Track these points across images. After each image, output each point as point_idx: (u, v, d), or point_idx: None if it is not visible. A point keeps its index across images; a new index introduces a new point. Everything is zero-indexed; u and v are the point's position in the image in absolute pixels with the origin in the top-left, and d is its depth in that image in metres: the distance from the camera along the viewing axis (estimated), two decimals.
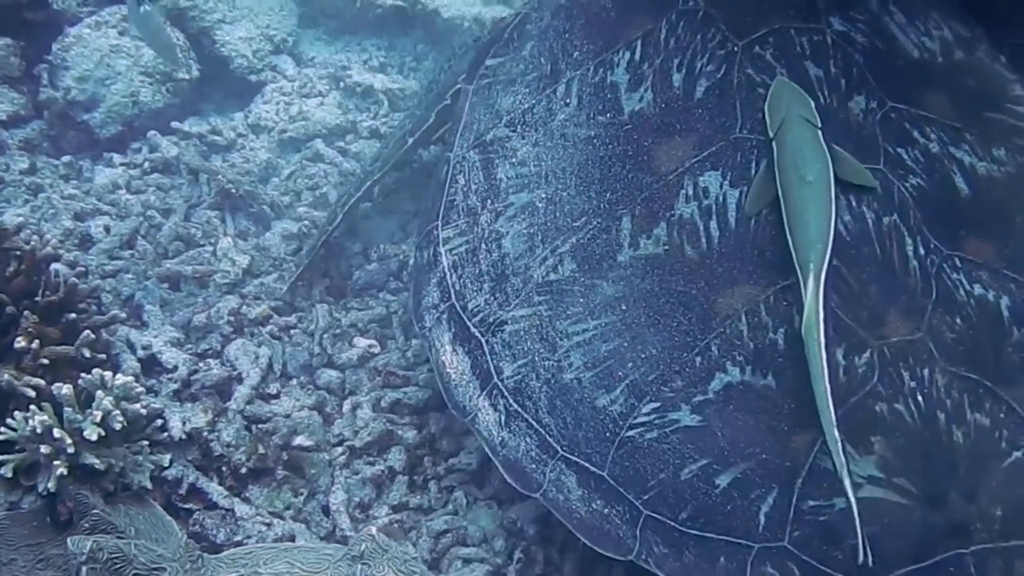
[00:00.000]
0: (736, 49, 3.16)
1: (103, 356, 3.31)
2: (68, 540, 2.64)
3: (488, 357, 3.09)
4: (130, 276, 3.78)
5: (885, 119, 3.07)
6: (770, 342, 2.82)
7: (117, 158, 4.29)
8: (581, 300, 3.00)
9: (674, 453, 2.81)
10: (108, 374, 3.13)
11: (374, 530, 2.83)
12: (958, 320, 2.84)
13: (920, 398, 2.76)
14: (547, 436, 2.96)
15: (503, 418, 3.04)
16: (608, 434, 2.88)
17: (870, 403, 2.75)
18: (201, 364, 3.56)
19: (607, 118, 3.18)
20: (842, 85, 3.11)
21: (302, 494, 3.34)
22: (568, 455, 2.93)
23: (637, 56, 3.23)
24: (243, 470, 3.34)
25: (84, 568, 2.58)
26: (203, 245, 3.95)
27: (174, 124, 4.37)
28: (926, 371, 2.78)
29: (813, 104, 2.97)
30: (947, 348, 2.81)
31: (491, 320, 3.12)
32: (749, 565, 2.73)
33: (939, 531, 2.67)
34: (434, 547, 3.26)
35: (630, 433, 2.86)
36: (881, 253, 2.89)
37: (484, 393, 3.09)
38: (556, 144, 3.21)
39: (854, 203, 2.93)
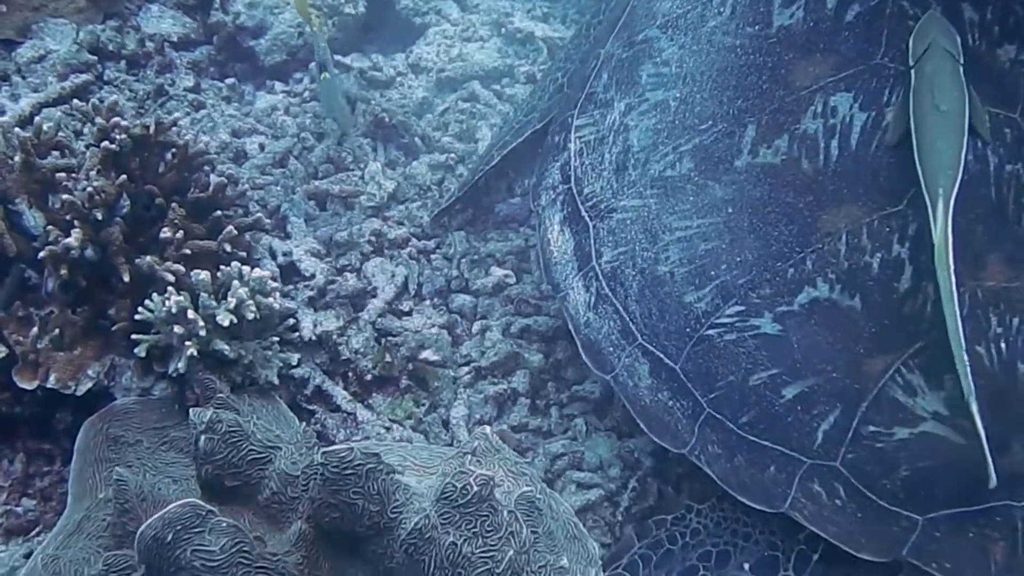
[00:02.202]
0: None
1: (243, 254, 3.37)
2: (190, 410, 2.68)
3: (592, 240, 3.14)
4: (279, 189, 3.85)
5: None
6: (864, 265, 2.81)
7: (279, 86, 4.37)
8: (691, 198, 3.02)
9: (748, 358, 2.84)
10: (246, 268, 3.19)
11: (488, 430, 2.83)
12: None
13: (1003, 345, 2.71)
14: (630, 323, 3.01)
15: (593, 299, 3.09)
16: (688, 329, 2.92)
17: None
18: (339, 277, 3.60)
19: (755, 29, 3.18)
20: (995, 31, 3.03)
21: (423, 405, 3.37)
22: (646, 344, 2.97)
23: None
24: (368, 377, 3.39)
25: (203, 437, 2.62)
26: (352, 169, 3.99)
27: (336, 57, 4.42)
28: (1016, 320, 2.73)
29: (959, 40, 2.92)
30: None
31: (603, 207, 3.16)
32: (798, 478, 2.76)
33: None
34: (550, 467, 3.28)
35: (710, 332, 2.89)
36: (996, 197, 2.84)
37: (580, 273, 3.14)
38: (701, 48, 3.22)
39: (980, 144, 2.87)
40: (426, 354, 3.44)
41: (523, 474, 2.80)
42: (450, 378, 3.44)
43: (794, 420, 2.76)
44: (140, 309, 3.08)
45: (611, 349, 3.04)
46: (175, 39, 4.42)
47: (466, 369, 3.47)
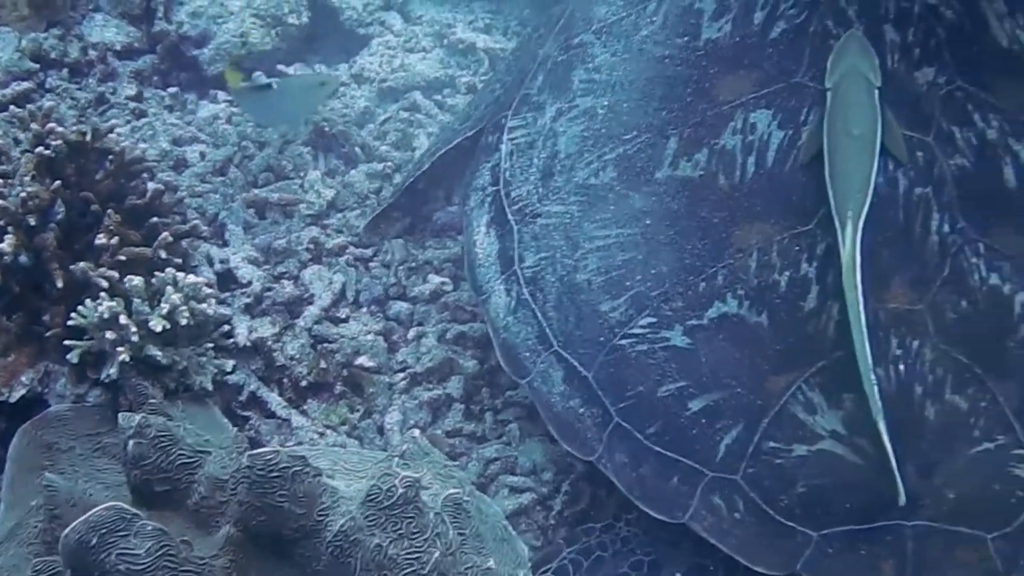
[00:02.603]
0: None
1: (179, 261, 3.38)
2: (119, 415, 2.68)
3: (516, 244, 3.17)
4: (217, 197, 3.87)
5: (949, 96, 3.05)
6: (773, 282, 2.86)
7: (221, 95, 4.38)
8: (612, 208, 3.06)
9: (657, 369, 2.87)
10: (180, 274, 3.20)
11: (417, 433, 2.86)
12: (964, 303, 2.82)
13: (901, 367, 2.76)
14: (547, 329, 3.04)
15: (513, 304, 3.12)
16: (602, 339, 2.95)
17: (852, 360, 2.72)
18: (276, 284, 3.62)
19: (684, 41, 3.22)
20: (915, 54, 3.09)
21: (358, 411, 3.39)
22: (561, 351, 3.00)
23: None
24: (303, 383, 3.40)
25: (131, 442, 2.62)
26: (292, 178, 4.01)
27: (279, 67, 4.45)
28: (915, 343, 2.79)
29: (877, 63, 2.97)
30: (944, 326, 2.80)
31: (528, 211, 3.19)
32: (700, 491, 2.79)
33: (886, 498, 2.66)
34: (483, 472, 3.30)
35: (622, 342, 2.92)
36: (904, 220, 2.89)
37: (503, 277, 3.16)
38: (631, 57, 3.26)
39: (891, 167, 2.92)
40: (361, 360, 3.46)
41: (452, 477, 2.83)
42: (385, 384, 3.46)
43: (699, 433, 2.80)
44: (73, 315, 3.08)
45: (527, 354, 3.06)
46: (118, 48, 4.43)
47: (402, 375, 3.48)
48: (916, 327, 2.80)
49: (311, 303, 3.58)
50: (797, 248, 2.88)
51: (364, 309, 3.67)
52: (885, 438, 2.61)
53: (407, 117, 4.33)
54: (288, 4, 4.49)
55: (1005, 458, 2.73)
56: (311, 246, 3.75)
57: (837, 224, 2.76)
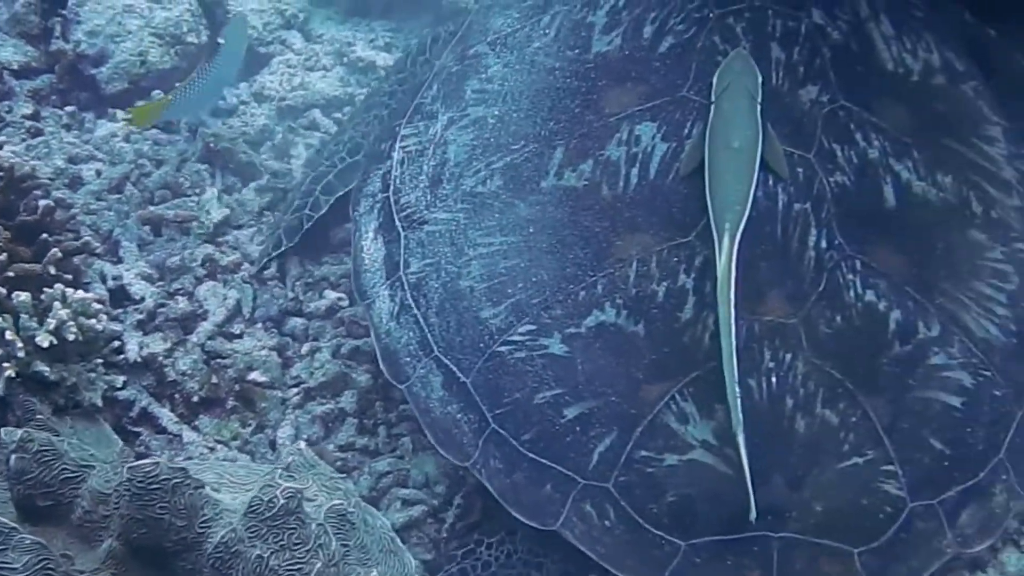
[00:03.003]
0: (711, 16, 3.25)
1: (69, 277, 3.36)
2: (1, 431, 2.67)
3: (402, 250, 3.19)
4: (111, 214, 3.86)
5: (832, 114, 3.13)
6: (651, 292, 2.90)
7: (120, 114, 4.37)
8: (497, 216, 3.09)
9: (535, 376, 2.90)
10: (69, 290, 3.19)
11: (302, 445, 2.87)
12: (838, 318, 2.89)
13: (773, 379, 2.82)
14: (428, 334, 3.06)
15: (396, 309, 3.14)
16: (482, 345, 2.98)
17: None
18: (169, 300, 3.61)
19: (574, 53, 3.28)
20: (799, 72, 3.18)
21: (250, 426, 3.39)
22: (441, 356, 3.03)
23: (621, 2, 3.33)
24: (195, 399, 3.41)
25: (13, 457, 2.61)
26: (189, 195, 4.01)
27: (177, 85, 4.44)
28: (788, 356, 2.84)
29: (761, 80, 3.04)
30: (817, 341, 2.87)
31: (415, 218, 3.21)
32: (571, 498, 2.82)
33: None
34: (375, 485, 3.31)
35: (501, 348, 2.95)
36: (782, 235, 2.95)
37: (388, 282, 3.19)
38: (523, 68, 3.32)
39: (771, 182, 2.99)
40: (254, 375, 3.47)
41: (338, 489, 2.83)
42: (278, 399, 3.47)
43: (573, 440, 2.84)
44: None
45: (408, 359, 3.08)
46: (15, 67, 4.40)
47: (295, 390, 3.49)
48: (789, 340, 2.86)
49: (205, 319, 3.57)
50: (676, 259, 2.93)
51: (259, 325, 3.67)
52: (742, 451, 2.65)
53: (305, 137, 4.34)
54: (187, 23, 4.48)
55: (874, 473, 2.80)
56: (206, 263, 3.74)
57: (715, 236, 2.82)
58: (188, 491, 2.48)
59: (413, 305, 3.11)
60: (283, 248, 3.83)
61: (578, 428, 2.84)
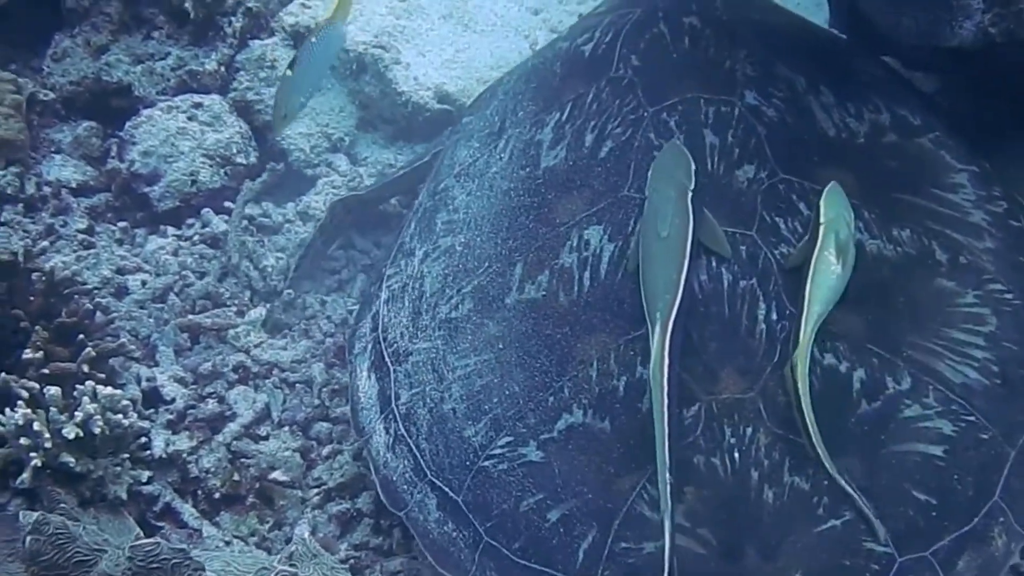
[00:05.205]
0: (645, 114, 3.40)
1: (103, 376, 3.51)
2: (19, 512, 2.79)
3: (392, 384, 3.31)
4: (150, 320, 4.02)
5: (771, 189, 3.23)
6: (612, 388, 2.98)
7: (171, 230, 4.56)
8: (469, 337, 3.21)
9: (517, 485, 2.97)
10: (100, 386, 3.33)
11: (307, 534, 2.94)
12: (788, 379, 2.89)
13: (736, 455, 2.86)
14: (421, 460, 3.15)
15: (391, 441, 3.24)
16: (468, 462, 3.06)
17: (688, 454, 2.86)
18: (200, 403, 3.74)
19: (526, 172, 3.44)
20: (735, 154, 3.29)
21: (268, 522, 3.46)
22: (434, 479, 3.11)
23: (564, 117, 3.51)
24: (216, 495, 3.49)
25: (29, 538, 2.73)
26: (228, 305, 4.17)
27: (228, 204, 4.64)
28: (749, 430, 2.89)
29: (693, 168, 3.12)
30: (778, 411, 2.90)
31: (401, 351, 3.35)
32: None
33: None
34: None
35: (485, 463, 3.03)
36: (729, 313, 3.03)
37: (382, 416, 3.30)
38: (483, 194, 3.48)
39: (714, 264, 3.08)
40: (276, 474, 3.55)
41: None
42: (298, 498, 3.55)
43: (558, 542, 2.88)
44: None
45: (405, 487, 3.16)
46: (74, 185, 4.65)
47: (316, 491, 3.57)
48: (748, 414, 2.91)
49: (233, 420, 3.69)
50: (632, 353, 3.01)
51: (286, 428, 3.77)
52: (667, 536, 2.67)
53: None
54: (236, 144, 4.69)
55: (854, 533, 2.80)
56: (238, 370, 3.87)
57: (648, 325, 2.89)
58: (187, 572, 2.57)
59: (405, 434, 3.22)
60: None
61: (562, 529, 2.89)
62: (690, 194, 3.04)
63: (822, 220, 3.04)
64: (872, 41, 3.83)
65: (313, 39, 3.89)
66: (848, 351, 3.00)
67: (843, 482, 2.78)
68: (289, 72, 3.86)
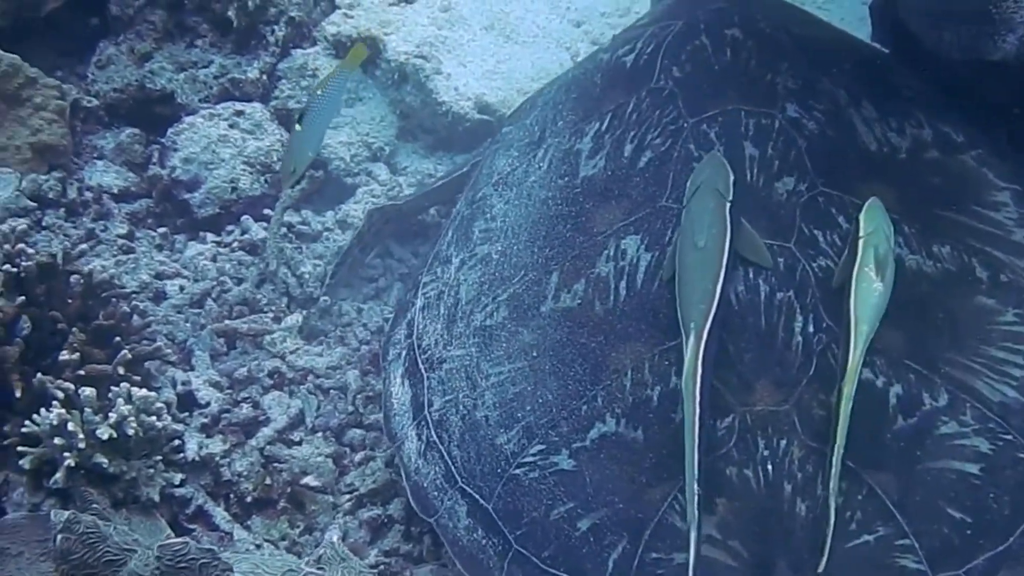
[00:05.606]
0: (685, 125, 3.38)
1: (138, 379, 3.53)
2: (51, 511, 2.80)
3: (425, 391, 3.32)
4: (187, 325, 4.04)
5: (811, 201, 3.21)
6: (646, 398, 2.96)
7: (210, 237, 4.59)
8: (504, 345, 3.21)
9: (548, 494, 2.96)
10: (134, 388, 3.35)
11: (335, 538, 2.94)
12: (833, 400, 2.85)
13: (770, 467, 2.84)
14: (452, 467, 3.15)
15: (423, 447, 3.24)
16: (499, 470, 3.05)
17: (721, 465, 2.84)
18: (234, 407, 3.76)
19: (564, 181, 3.44)
20: (774, 166, 3.27)
21: (299, 527, 3.46)
22: (465, 486, 3.10)
23: (604, 127, 3.50)
24: (248, 499, 3.50)
25: (59, 537, 2.74)
26: (265, 311, 4.18)
27: (267, 211, 4.66)
28: (783, 442, 2.86)
29: (731, 179, 3.09)
30: (812, 424, 2.88)
31: (435, 358, 3.35)
32: None
33: None
34: None
35: (516, 471, 3.02)
36: (766, 325, 3.01)
37: (414, 423, 3.30)
38: (521, 203, 3.48)
39: (751, 276, 3.07)
40: (308, 480, 3.56)
41: None
42: (330, 503, 3.55)
43: (588, 551, 2.87)
44: (27, 423, 3.22)
45: (436, 493, 3.16)
46: (115, 191, 4.69)
47: (348, 496, 3.58)
48: (783, 427, 2.88)
49: (266, 425, 3.70)
50: (667, 363, 2.99)
51: (319, 434, 3.77)
52: (692, 549, 2.64)
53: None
54: (276, 152, 4.72)
55: (888, 549, 2.77)
56: (273, 375, 3.89)
57: (683, 336, 2.86)
58: (216, 572, 2.57)
59: (437, 441, 3.21)
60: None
61: (592, 539, 2.88)
62: (728, 205, 3.02)
63: (861, 234, 3.01)
64: (915, 56, 3.79)
65: (320, 92, 3.87)
66: (886, 366, 2.97)
67: (831, 506, 2.72)
68: (298, 127, 3.86)
